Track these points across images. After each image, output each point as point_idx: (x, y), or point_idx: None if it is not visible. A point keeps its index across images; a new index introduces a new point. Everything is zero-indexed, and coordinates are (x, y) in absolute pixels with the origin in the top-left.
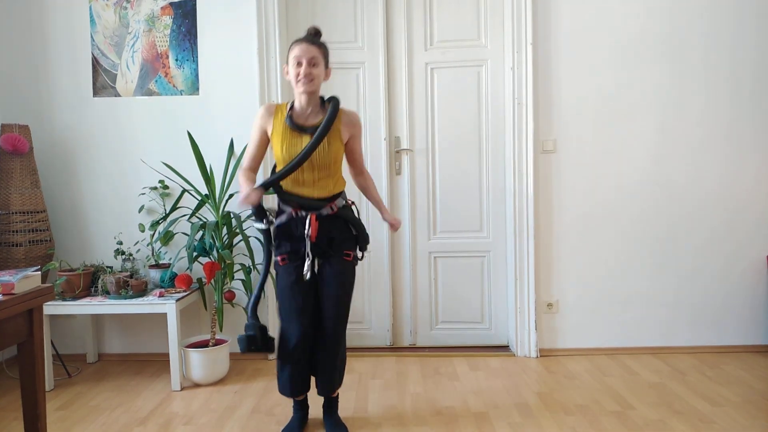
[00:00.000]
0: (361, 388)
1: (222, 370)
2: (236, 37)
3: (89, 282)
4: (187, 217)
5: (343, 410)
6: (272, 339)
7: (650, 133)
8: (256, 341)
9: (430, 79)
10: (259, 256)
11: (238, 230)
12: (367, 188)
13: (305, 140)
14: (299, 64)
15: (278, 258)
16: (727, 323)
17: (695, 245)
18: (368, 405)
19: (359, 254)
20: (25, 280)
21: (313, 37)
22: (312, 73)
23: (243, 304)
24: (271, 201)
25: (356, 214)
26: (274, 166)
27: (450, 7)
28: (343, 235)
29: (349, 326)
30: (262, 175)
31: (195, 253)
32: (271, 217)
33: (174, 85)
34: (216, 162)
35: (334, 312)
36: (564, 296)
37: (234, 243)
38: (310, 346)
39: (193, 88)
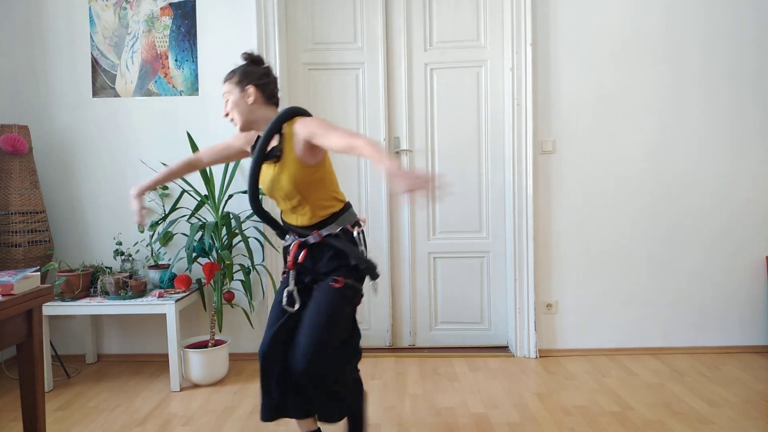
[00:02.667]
0: None
1: (221, 370)
2: (236, 38)
3: (88, 282)
4: (187, 217)
5: None
6: None
7: (649, 134)
8: None
9: (430, 79)
10: (258, 257)
11: (237, 231)
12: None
13: (269, 167)
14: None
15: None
16: (726, 324)
17: (694, 246)
18: (367, 405)
19: (353, 282)
20: (25, 280)
21: (233, 69)
22: (229, 112)
23: (242, 305)
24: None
25: (359, 240)
26: None
27: (449, 8)
28: (334, 263)
29: None
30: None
31: (194, 254)
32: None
33: (173, 86)
34: None
35: (303, 342)
36: (563, 297)
37: (233, 243)
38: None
39: (193, 88)
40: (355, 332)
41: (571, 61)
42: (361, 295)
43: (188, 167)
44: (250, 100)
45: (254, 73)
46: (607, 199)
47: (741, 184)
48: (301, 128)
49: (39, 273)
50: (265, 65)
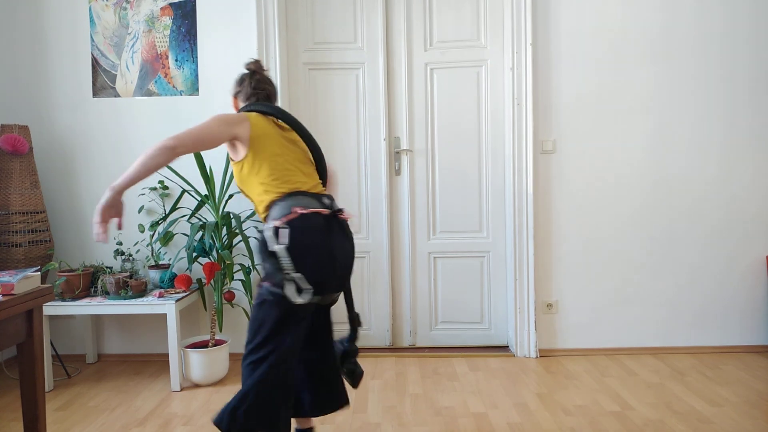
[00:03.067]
0: (361, 389)
1: (221, 370)
2: (236, 38)
3: (89, 282)
4: (187, 217)
5: (343, 410)
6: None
7: (649, 133)
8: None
9: (430, 79)
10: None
11: (237, 231)
12: None
13: None
14: None
15: None
16: (726, 323)
17: (694, 245)
18: (368, 405)
19: (269, 286)
20: (25, 280)
21: None
22: None
23: (242, 305)
24: None
25: (275, 236)
26: None
27: (449, 8)
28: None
29: None
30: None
31: (195, 254)
32: None
33: (174, 86)
34: (215, 162)
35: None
36: (563, 296)
37: (234, 243)
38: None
39: (193, 88)
40: (278, 343)
41: (571, 61)
42: (291, 301)
43: None
44: (233, 109)
45: (235, 84)
46: (607, 198)
47: (740, 183)
48: None
49: (39, 273)
50: (245, 72)
